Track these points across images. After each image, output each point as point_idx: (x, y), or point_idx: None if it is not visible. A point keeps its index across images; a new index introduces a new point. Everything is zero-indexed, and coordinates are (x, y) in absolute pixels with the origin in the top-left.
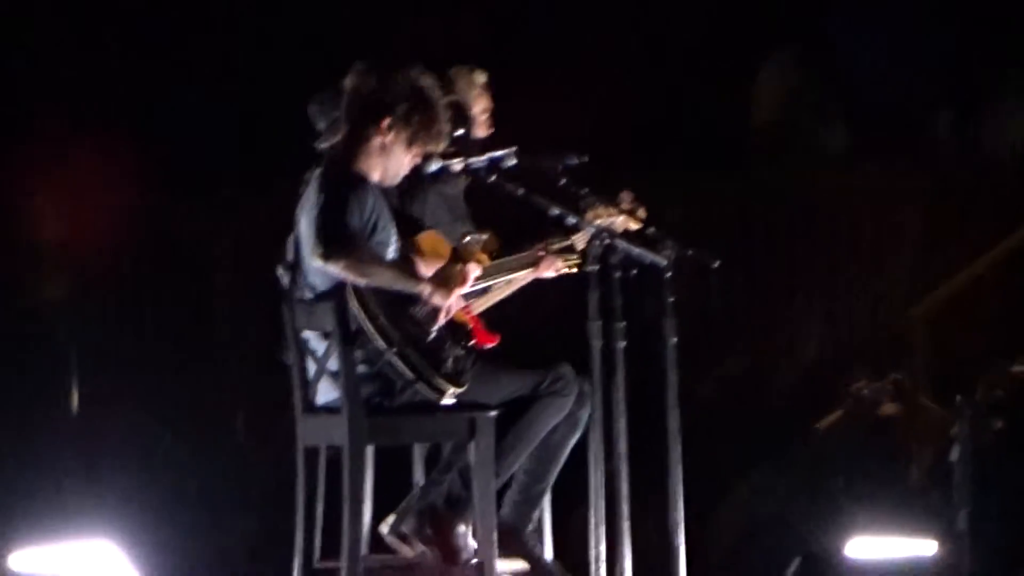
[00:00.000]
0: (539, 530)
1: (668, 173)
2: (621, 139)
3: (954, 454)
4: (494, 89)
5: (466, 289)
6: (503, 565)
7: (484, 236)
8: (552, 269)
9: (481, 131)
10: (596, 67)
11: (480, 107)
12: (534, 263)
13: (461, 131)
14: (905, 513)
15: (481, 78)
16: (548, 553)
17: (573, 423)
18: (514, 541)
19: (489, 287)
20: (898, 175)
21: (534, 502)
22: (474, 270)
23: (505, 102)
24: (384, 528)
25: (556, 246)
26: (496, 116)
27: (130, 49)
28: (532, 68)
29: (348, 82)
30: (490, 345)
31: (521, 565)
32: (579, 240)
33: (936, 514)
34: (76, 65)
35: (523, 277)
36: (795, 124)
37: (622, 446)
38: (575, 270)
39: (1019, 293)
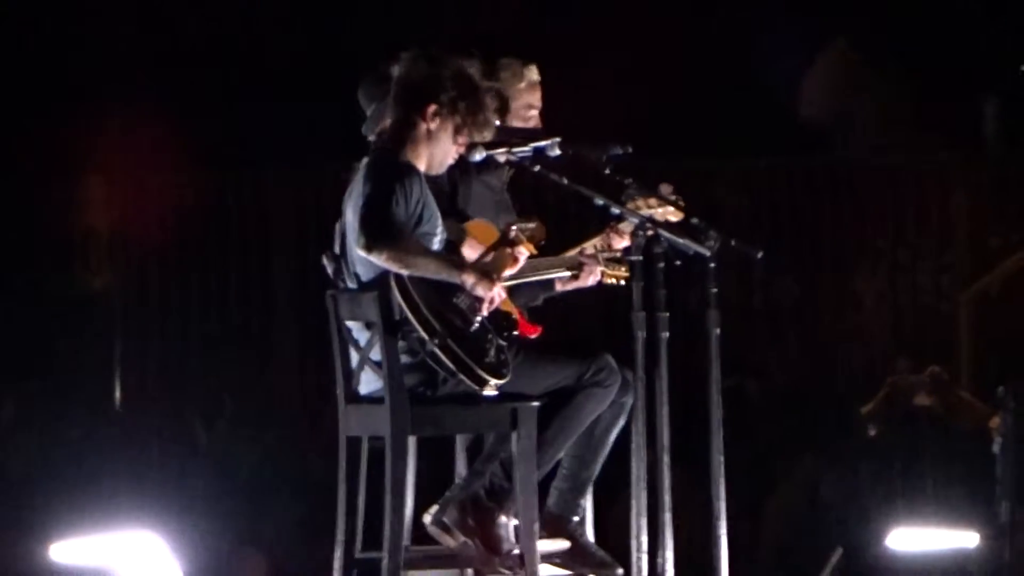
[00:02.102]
0: (583, 519)
1: (711, 160)
2: (662, 126)
3: (996, 446)
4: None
5: (509, 275)
6: (546, 545)
7: (532, 224)
8: (594, 277)
9: (520, 124)
10: (640, 54)
11: (523, 102)
12: (576, 267)
13: (498, 122)
14: (947, 504)
15: (531, 74)
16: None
17: (617, 411)
18: (560, 530)
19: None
20: (945, 164)
21: (580, 491)
22: (524, 252)
23: (549, 88)
24: (427, 518)
25: (605, 255)
26: (544, 112)
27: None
28: (576, 53)
29: (395, 70)
30: (533, 335)
31: (563, 544)
32: (622, 234)
33: (978, 506)
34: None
35: (561, 277)
36: (848, 115)
37: (665, 436)
38: (622, 282)
39: None
